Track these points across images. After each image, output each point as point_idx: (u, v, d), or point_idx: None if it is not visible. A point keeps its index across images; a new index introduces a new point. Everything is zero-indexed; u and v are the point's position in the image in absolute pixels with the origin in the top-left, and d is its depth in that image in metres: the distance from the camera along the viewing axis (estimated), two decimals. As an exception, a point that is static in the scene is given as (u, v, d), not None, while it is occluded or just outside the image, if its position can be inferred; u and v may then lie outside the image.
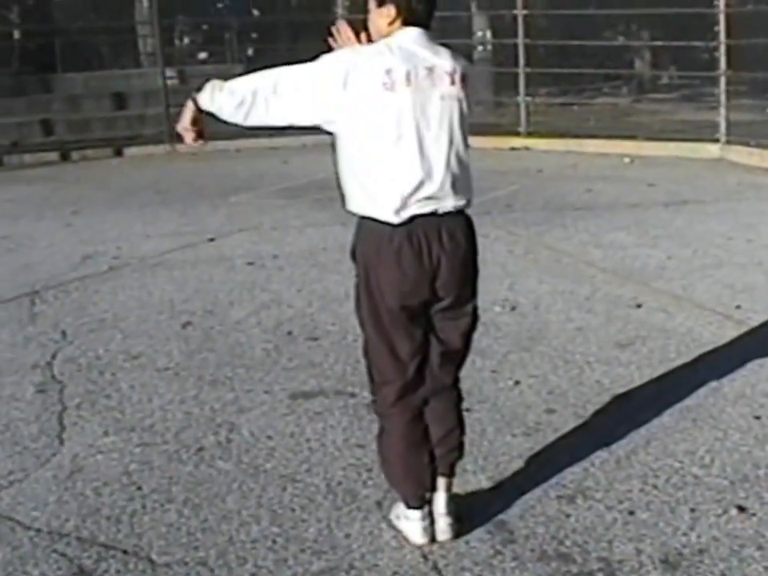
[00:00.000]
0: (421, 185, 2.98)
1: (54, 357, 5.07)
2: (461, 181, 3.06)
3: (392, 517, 3.34)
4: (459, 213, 3.09)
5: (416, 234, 3.00)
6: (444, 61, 3.02)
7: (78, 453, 3.98)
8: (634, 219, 8.09)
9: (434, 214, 3.01)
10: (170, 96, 13.97)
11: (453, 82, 3.00)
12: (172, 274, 6.64)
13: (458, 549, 3.18)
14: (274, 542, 3.28)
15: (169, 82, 14.48)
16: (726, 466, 3.71)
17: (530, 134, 12.62)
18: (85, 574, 3.13)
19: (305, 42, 15.10)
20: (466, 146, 3.08)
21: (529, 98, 13.06)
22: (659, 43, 17.15)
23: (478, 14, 16.83)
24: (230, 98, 3.06)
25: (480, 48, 16.92)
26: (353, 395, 4.47)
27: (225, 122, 3.17)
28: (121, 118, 14.20)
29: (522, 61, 13.07)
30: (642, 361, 4.84)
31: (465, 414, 4.14)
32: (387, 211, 3.00)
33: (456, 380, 3.29)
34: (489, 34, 16.83)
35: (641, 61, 19.80)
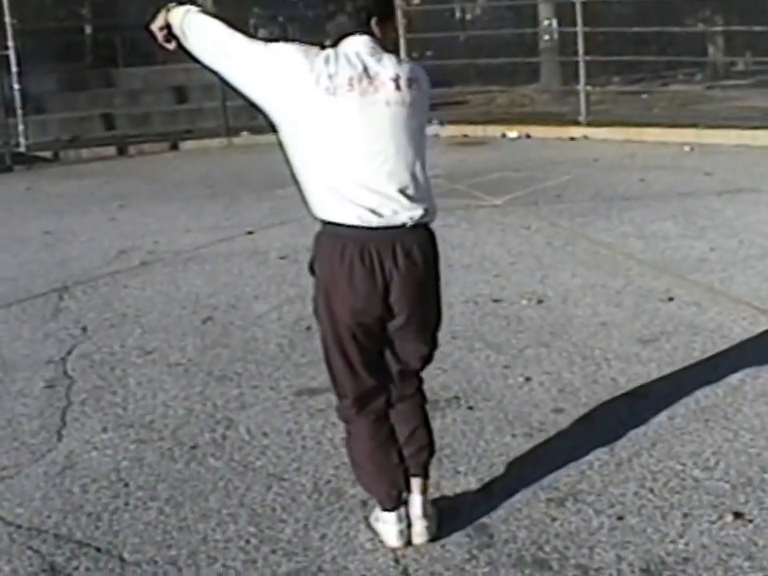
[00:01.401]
0: (365, 194, 2.88)
1: (69, 353, 5.11)
2: (414, 190, 2.94)
3: (371, 519, 3.26)
4: (417, 227, 2.96)
5: (367, 249, 2.90)
6: (387, 68, 2.93)
7: (73, 449, 3.99)
8: (683, 209, 7.84)
9: (387, 227, 2.90)
10: (232, 89, 14.11)
11: (398, 88, 2.91)
12: (203, 268, 6.65)
13: (431, 553, 3.09)
14: (248, 541, 3.23)
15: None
16: (730, 468, 3.54)
17: (589, 124, 12.36)
18: (55, 572, 3.12)
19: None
20: (420, 152, 2.96)
21: (589, 87, 12.78)
22: (733, 28, 16.66)
23: (544, 3, 16.55)
24: (198, 31, 3.02)
25: (546, 37, 16.67)
26: (357, 392, 4.39)
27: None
28: (180, 111, 14.32)
29: (581, 49, 12.84)
30: (663, 358, 4.67)
31: (468, 411, 4.15)
32: (335, 213, 2.91)
33: (418, 388, 3.20)
34: (555, 23, 16.57)
35: (714, 47, 19.27)
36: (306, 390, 4.46)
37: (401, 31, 14.03)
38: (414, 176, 2.94)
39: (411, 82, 2.94)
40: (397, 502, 3.13)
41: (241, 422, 4.17)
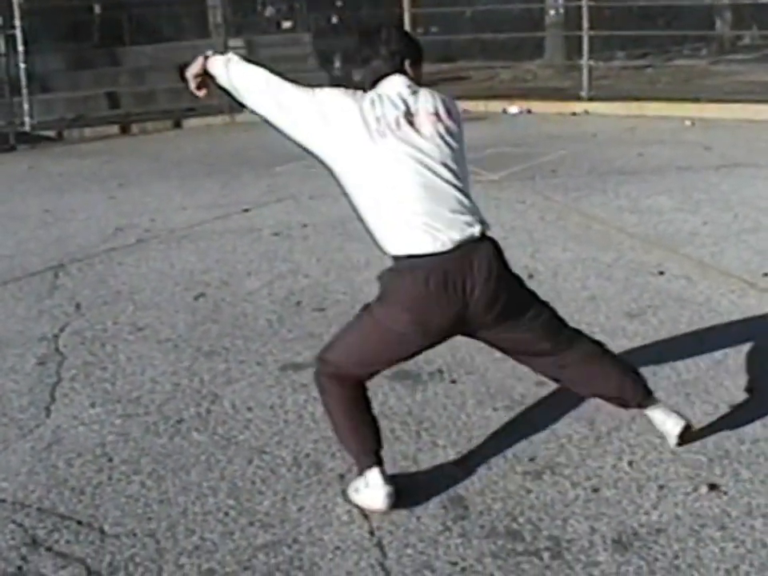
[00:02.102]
0: (428, 222, 3.05)
1: (62, 330, 5.12)
2: (467, 209, 3.11)
3: (350, 491, 3.27)
4: (482, 240, 3.12)
5: (449, 273, 3.05)
6: (426, 104, 3.16)
7: (60, 424, 4.01)
8: (679, 183, 7.80)
9: (459, 246, 3.06)
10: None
11: (438, 120, 3.14)
12: (198, 245, 6.65)
13: (406, 525, 3.10)
14: (226, 514, 3.25)
15: (237, 52, 14.55)
16: (708, 441, 3.54)
17: (591, 99, 12.29)
18: (36, 544, 3.14)
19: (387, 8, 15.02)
20: (464, 174, 3.17)
21: (592, 62, 12.69)
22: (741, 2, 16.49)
23: (550, -23, 16.43)
24: (246, 86, 3.26)
25: (552, 12, 16.54)
26: (343, 366, 4.40)
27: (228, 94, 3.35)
28: (185, 89, 14.19)
29: (585, 24, 12.74)
30: (648, 332, 4.66)
31: (450, 385, 4.15)
32: (408, 246, 3.08)
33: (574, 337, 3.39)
34: (561, -2, 16.44)
35: (722, 20, 19.09)
36: (291, 365, 4.47)
37: (405, 5, 13.95)
38: (465, 196, 3.12)
39: (449, 112, 3.18)
40: (376, 457, 3.19)
41: (226, 396, 4.18)
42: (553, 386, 4.07)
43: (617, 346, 4.46)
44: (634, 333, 4.66)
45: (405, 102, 3.14)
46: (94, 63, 14.45)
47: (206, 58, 3.37)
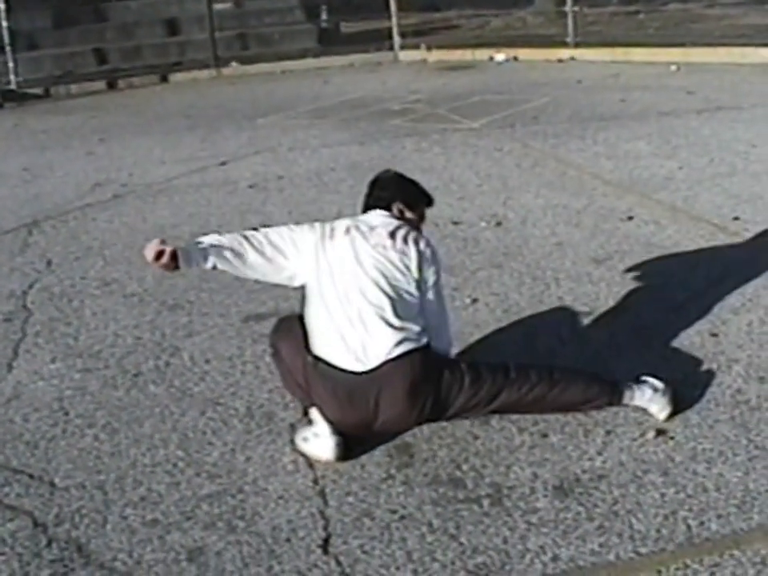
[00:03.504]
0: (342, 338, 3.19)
1: (31, 286, 5.09)
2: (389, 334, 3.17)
3: (298, 440, 3.25)
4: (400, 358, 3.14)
5: (350, 390, 3.14)
6: (391, 228, 3.36)
7: (21, 380, 3.98)
8: (659, 128, 7.70)
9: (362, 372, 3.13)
10: (224, 20, 13.90)
11: (392, 236, 3.31)
12: (172, 199, 6.59)
13: (350, 473, 3.08)
14: (175, 465, 3.23)
15: (222, 6, 14.39)
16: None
17: (577, 45, 12.12)
18: (-14, 499, 3.14)
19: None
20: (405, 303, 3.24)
21: (576, 8, 12.48)
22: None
23: None
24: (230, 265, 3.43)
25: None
26: (305, 317, 4.36)
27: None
28: (173, 44, 14.12)
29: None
30: (614, 277, 4.61)
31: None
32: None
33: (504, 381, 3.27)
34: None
35: (715, -38, 18.75)
36: (254, 316, 4.43)
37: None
38: (396, 317, 3.20)
39: (419, 248, 3.32)
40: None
41: (186, 349, 4.15)
42: (512, 332, 4.07)
43: (581, 292, 4.45)
44: (599, 278, 4.60)
45: (368, 224, 3.37)
46: (80, 19, 14.28)
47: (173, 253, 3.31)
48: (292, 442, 3.29)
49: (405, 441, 3.24)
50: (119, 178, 7.31)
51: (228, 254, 3.32)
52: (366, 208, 3.56)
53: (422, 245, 3.34)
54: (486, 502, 2.87)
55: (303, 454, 3.19)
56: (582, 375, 3.37)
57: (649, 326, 4.03)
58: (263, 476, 3.11)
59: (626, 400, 3.31)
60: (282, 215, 6.01)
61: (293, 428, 3.38)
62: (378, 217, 3.45)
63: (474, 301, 4.40)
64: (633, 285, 4.50)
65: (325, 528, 2.82)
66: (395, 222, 3.41)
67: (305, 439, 3.23)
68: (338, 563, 2.67)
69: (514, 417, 3.34)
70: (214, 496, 3.03)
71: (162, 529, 2.88)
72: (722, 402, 3.38)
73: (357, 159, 7.27)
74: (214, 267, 3.37)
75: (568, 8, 12.50)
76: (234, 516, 2.92)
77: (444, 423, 3.32)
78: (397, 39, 13.48)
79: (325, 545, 2.75)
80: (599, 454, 3.09)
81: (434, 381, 3.17)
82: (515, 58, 12.11)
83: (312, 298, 3.30)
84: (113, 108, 11.00)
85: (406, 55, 13.27)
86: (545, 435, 3.23)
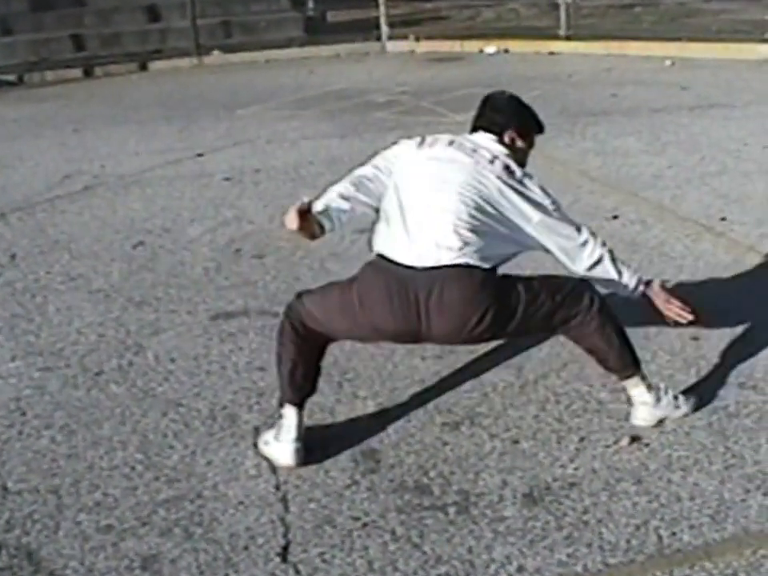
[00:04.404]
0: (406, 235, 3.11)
1: (-7, 280, 5.07)
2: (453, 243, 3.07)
3: (260, 443, 3.24)
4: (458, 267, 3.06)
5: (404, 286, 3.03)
6: (494, 152, 3.25)
7: (-22, 378, 3.96)
8: (650, 125, 7.70)
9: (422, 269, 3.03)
10: (207, 7, 13.83)
11: (492, 163, 3.20)
12: (145, 191, 6.56)
13: (313, 479, 3.06)
14: (133, 468, 3.20)
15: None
16: (637, 391, 3.49)
17: (569, 38, 12.11)
18: (-66, 502, 3.11)
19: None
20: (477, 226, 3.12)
21: (569, 0, 12.47)
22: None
23: None
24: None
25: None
26: (275, 315, 4.30)
27: None
28: (153, 31, 14.04)
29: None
30: (595, 277, 4.59)
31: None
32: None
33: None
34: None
35: (715, -46, 18.77)
36: (223, 314, 4.41)
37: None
38: (466, 230, 3.10)
39: (512, 172, 3.20)
40: (292, 394, 3.18)
41: (150, 347, 4.13)
42: (487, 334, 4.04)
43: (559, 293, 4.42)
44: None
45: (474, 143, 3.29)
46: (58, 4, 14.18)
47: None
48: (255, 445, 3.27)
49: (371, 446, 3.22)
50: (91, 169, 7.27)
51: (346, 214, 3.24)
52: (475, 128, 3.41)
53: (523, 182, 3.21)
54: (452, 510, 2.86)
55: (266, 458, 3.18)
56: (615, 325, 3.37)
57: (629, 329, 4.00)
58: (223, 480, 3.09)
59: (637, 378, 3.30)
60: (256, 210, 5.99)
61: (256, 431, 3.37)
62: (487, 140, 3.32)
63: (451, 301, 4.38)
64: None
65: (284, 535, 2.80)
66: (503, 151, 3.29)
67: (266, 443, 3.21)
68: (297, 572, 2.65)
69: (486, 422, 3.34)
70: (172, 501, 3.01)
71: (116, 535, 2.86)
72: (700, 407, 3.38)
73: (337, 153, 7.24)
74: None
75: (560, 0, 12.49)
76: (191, 522, 2.90)
77: (412, 429, 3.32)
78: (385, 29, 13.45)
79: (284, 553, 2.73)
80: (571, 461, 3.08)
81: (491, 298, 3.09)
82: (506, 51, 12.10)
83: (390, 191, 3.21)
84: (88, 97, 10.94)
85: (393, 46, 13.25)
86: (516, 441, 3.22)
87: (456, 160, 3.21)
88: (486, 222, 3.13)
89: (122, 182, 6.85)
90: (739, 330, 3.97)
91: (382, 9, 13.50)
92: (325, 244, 4.85)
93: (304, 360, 3.21)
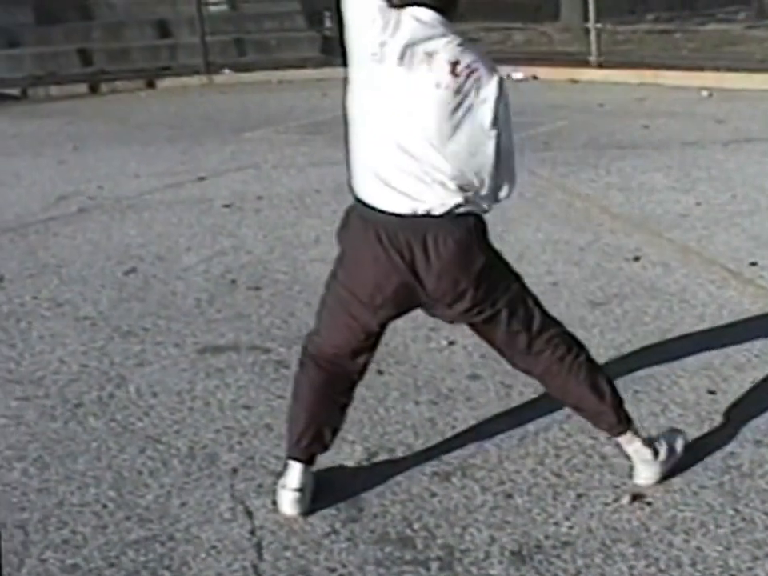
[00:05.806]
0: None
1: (-23, 304, 5.14)
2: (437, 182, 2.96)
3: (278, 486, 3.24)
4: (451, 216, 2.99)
5: (388, 233, 2.99)
6: (447, 49, 2.86)
7: (-48, 406, 4.02)
8: (680, 159, 7.73)
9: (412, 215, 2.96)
10: (219, 23, 14.02)
11: (454, 73, 2.85)
12: (142, 216, 6.65)
13: (291, 525, 3.08)
14: (105, 506, 3.24)
15: (218, 8, 14.52)
16: (642, 445, 3.50)
17: (601, 65, 12.19)
18: None
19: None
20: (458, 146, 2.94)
21: (599, 25, 12.56)
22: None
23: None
24: None
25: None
26: (267, 351, 4.39)
27: None
28: (163, 47, 14.24)
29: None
30: (609, 323, 4.61)
31: (375, 376, 4.11)
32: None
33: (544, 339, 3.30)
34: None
35: (762, -19, 18.89)
36: (211, 348, 4.46)
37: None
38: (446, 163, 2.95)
39: (474, 70, 2.86)
40: (299, 452, 3.14)
41: (133, 380, 4.18)
42: (487, 380, 4.07)
43: (569, 337, 4.44)
44: (592, 323, 4.61)
45: (425, 46, 2.87)
46: (65, 17, 14.41)
47: None
48: (232, 487, 3.30)
49: (355, 494, 3.24)
50: (88, 190, 7.37)
51: None
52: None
53: (489, 80, 2.90)
54: (434, 566, 2.87)
55: (242, 502, 3.21)
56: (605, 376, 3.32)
57: (640, 379, 4.03)
58: (197, 523, 3.12)
59: (630, 434, 3.25)
60: (255, 239, 6.05)
61: (235, 473, 3.40)
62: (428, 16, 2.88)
63: (451, 343, 4.41)
64: (629, 333, 4.50)
65: (256, 584, 2.83)
66: (454, 40, 2.87)
67: (282, 486, 3.20)
68: (267, 625, 2.67)
69: (478, 474, 3.35)
70: (142, 542, 3.04)
71: (81, 575, 2.89)
72: (711, 466, 3.37)
73: (342, 181, 7.27)
74: None
75: (591, 24, 12.56)
76: (160, 565, 2.92)
77: (400, 478, 3.33)
78: (407, 52, 13.55)
79: (254, 603, 2.76)
80: (566, 518, 3.09)
81: (486, 258, 3.17)
82: (534, 77, 12.20)
83: (356, 128, 3.02)
84: (93, 114, 11.11)
85: (416, 69, 13.33)
86: (509, 496, 3.22)
87: (411, 85, 2.93)
88: (467, 149, 2.98)
89: (119, 205, 6.95)
90: (759, 384, 3.97)
91: (406, 30, 13.60)
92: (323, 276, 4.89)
93: (323, 408, 3.17)
